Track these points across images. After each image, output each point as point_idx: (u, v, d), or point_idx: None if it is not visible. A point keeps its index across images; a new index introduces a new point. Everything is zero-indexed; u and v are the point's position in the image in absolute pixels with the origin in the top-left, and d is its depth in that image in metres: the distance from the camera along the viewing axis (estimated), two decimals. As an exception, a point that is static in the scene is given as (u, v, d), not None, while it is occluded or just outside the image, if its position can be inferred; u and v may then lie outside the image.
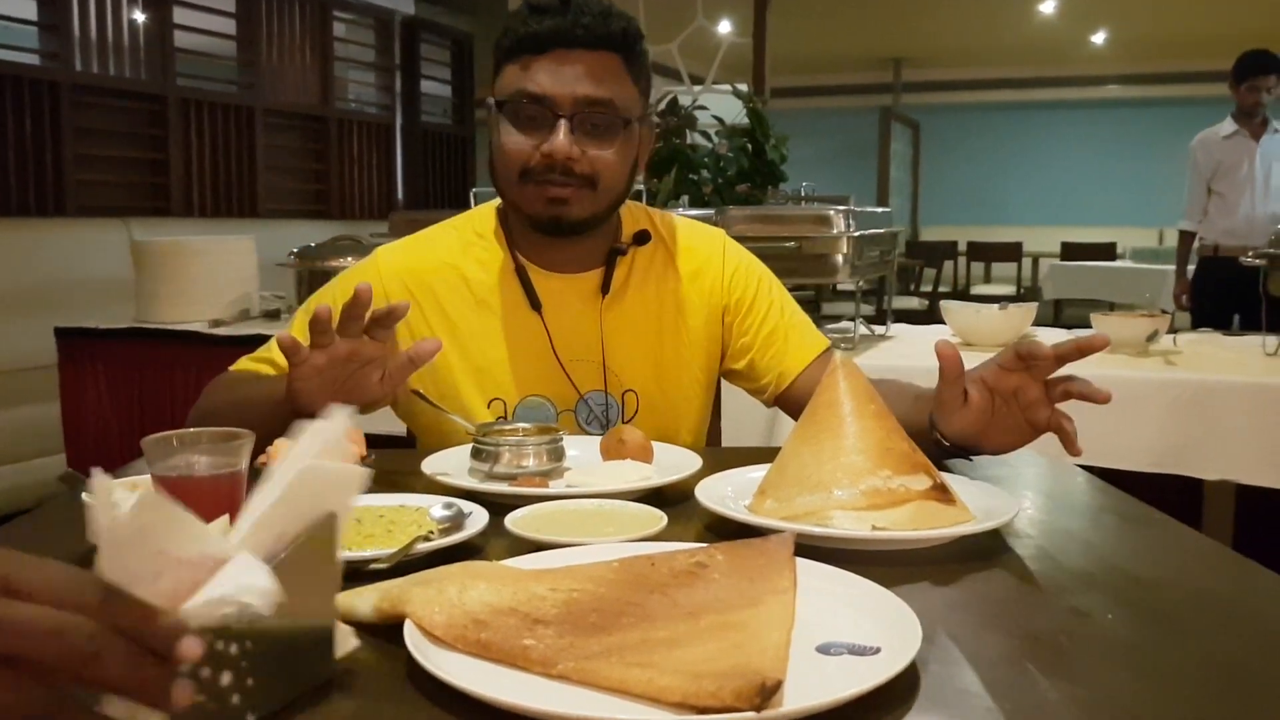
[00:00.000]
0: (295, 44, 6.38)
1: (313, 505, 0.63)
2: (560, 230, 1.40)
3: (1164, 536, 1.06)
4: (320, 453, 0.65)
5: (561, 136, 1.33)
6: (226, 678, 0.57)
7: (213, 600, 0.55)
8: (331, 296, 1.47)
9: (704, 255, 1.53)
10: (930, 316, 6.19)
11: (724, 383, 1.63)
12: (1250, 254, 2.78)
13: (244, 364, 1.48)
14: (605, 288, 1.47)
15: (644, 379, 1.48)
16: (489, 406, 1.44)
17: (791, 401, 1.49)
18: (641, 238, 1.50)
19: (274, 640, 0.60)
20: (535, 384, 1.45)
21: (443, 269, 1.48)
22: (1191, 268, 4.98)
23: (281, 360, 1.44)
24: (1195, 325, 3.22)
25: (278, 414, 1.15)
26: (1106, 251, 9.02)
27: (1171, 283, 5.24)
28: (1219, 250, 4.72)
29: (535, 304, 1.45)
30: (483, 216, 1.52)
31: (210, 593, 0.55)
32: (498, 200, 1.52)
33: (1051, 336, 2.92)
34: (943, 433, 1.18)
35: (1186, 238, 4.97)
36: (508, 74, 1.37)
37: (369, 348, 1.18)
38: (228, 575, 0.56)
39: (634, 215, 1.53)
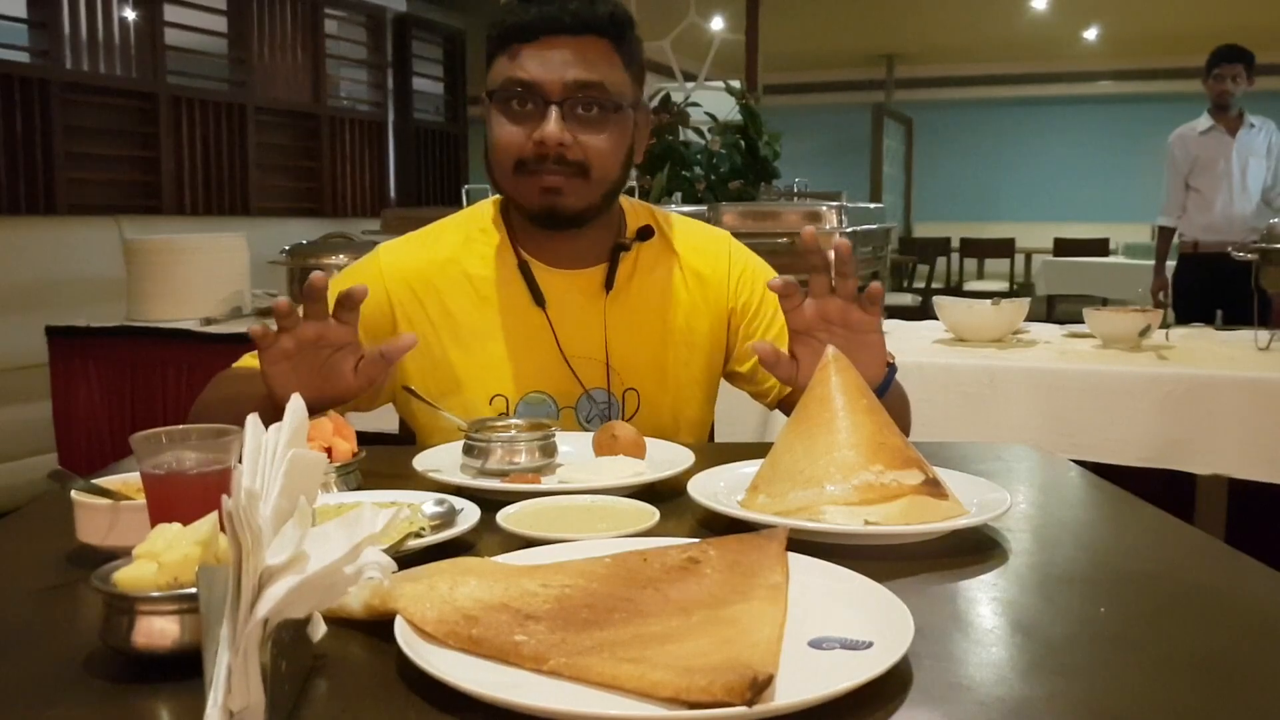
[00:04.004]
0: (286, 41, 6.36)
1: (296, 492, 0.65)
2: (557, 222, 1.39)
3: (1157, 530, 1.06)
4: (288, 441, 0.67)
5: (552, 123, 1.33)
6: (283, 665, 0.61)
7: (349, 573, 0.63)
8: (333, 295, 1.46)
9: (710, 257, 1.52)
10: (923, 313, 6.18)
11: (717, 378, 1.62)
12: (1232, 248, 2.78)
13: (247, 360, 1.48)
14: (609, 283, 1.46)
15: (645, 377, 1.47)
16: (490, 403, 1.43)
17: (793, 406, 1.49)
18: (645, 233, 1.49)
19: (296, 626, 0.64)
20: (538, 380, 1.44)
21: (445, 266, 1.47)
22: (1171, 264, 4.99)
23: None
24: (1179, 321, 3.24)
25: (263, 410, 1.15)
26: (1099, 247, 9.03)
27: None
28: (1199, 246, 4.75)
29: (539, 300, 1.44)
30: (485, 212, 1.51)
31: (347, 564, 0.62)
32: (499, 197, 1.51)
33: (1044, 332, 2.93)
34: None
35: (1165, 233, 4.99)
36: (498, 65, 1.37)
37: (336, 332, 1.19)
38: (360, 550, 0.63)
39: (636, 212, 1.52)
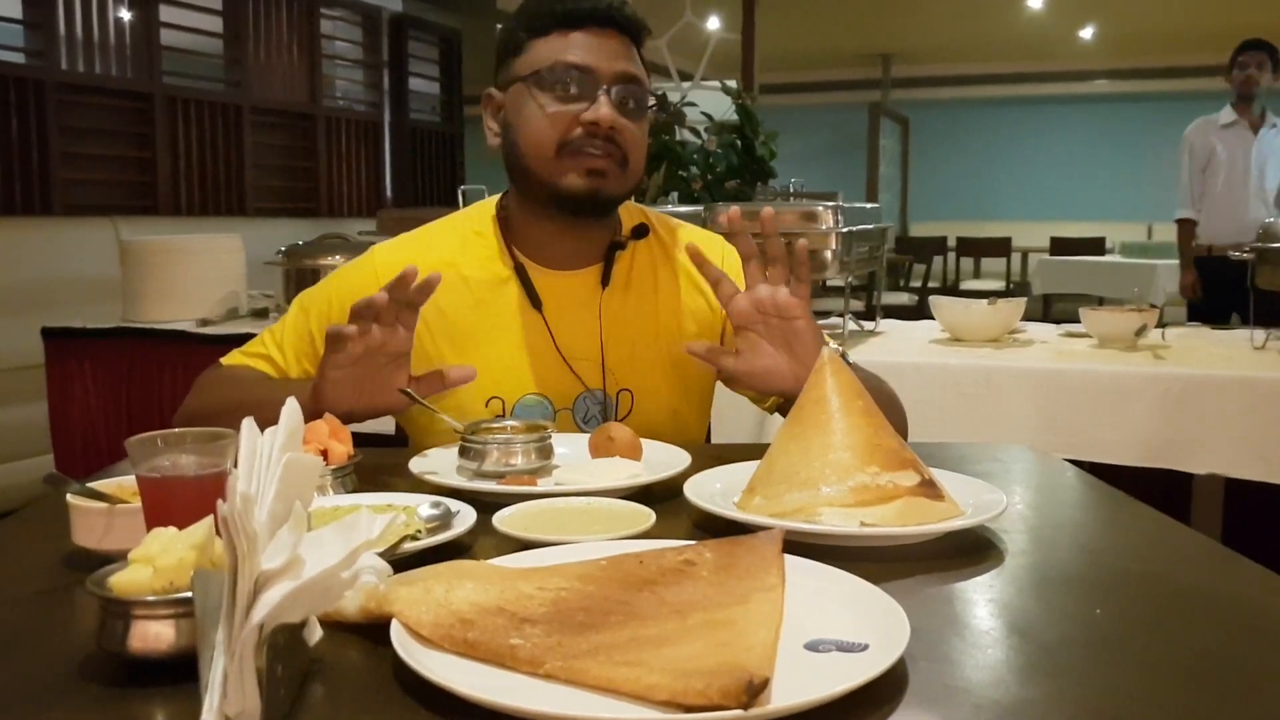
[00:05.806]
0: (283, 41, 6.35)
1: (291, 496, 0.65)
2: (594, 207, 1.40)
3: (1153, 531, 1.06)
4: (283, 445, 0.67)
5: (605, 105, 1.35)
6: (279, 669, 0.61)
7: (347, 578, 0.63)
8: (326, 295, 1.46)
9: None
10: (920, 312, 6.19)
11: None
12: (1231, 249, 2.78)
13: (236, 359, 1.47)
14: (605, 280, 1.47)
15: (640, 378, 1.47)
16: (486, 405, 1.42)
17: None
18: (640, 231, 1.50)
19: (291, 631, 0.64)
20: (534, 382, 1.44)
21: (440, 268, 1.45)
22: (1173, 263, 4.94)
23: (279, 357, 1.44)
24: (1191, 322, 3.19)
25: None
26: (1095, 246, 9.03)
27: (1161, 277, 5.20)
28: (1212, 250, 4.67)
29: (536, 302, 1.44)
30: (480, 215, 1.51)
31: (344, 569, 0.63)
32: (495, 199, 1.51)
33: (1041, 332, 2.94)
34: (776, 395, 1.33)
35: (1187, 226, 4.79)
36: (539, 48, 1.38)
37: (398, 340, 1.23)
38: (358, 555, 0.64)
39: (630, 211, 1.53)
